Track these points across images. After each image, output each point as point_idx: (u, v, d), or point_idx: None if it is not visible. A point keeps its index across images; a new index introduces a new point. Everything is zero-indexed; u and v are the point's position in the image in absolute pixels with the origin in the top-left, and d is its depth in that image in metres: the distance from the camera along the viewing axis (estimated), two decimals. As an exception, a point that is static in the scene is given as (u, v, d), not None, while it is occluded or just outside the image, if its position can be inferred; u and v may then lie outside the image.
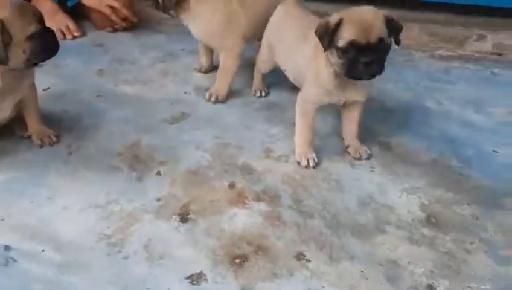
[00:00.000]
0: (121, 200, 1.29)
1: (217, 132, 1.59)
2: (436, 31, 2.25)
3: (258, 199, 1.31)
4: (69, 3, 2.15)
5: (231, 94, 1.79)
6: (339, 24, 1.27)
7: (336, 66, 1.31)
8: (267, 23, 1.68)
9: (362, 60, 1.25)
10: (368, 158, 1.48)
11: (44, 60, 1.35)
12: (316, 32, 1.32)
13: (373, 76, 1.30)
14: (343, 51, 1.27)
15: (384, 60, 1.28)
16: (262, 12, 1.71)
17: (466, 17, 2.32)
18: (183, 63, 2.01)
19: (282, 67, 1.62)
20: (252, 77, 1.82)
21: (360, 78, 1.31)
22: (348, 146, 1.51)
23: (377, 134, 1.59)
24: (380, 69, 1.29)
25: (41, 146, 1.47)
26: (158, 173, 1.39)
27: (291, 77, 1.59)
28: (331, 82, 1.37)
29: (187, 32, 1.88)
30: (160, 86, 1.85)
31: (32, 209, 1.25)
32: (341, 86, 1.37)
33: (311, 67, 1.40)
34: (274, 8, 1.67)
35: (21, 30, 1.24)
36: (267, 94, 1.81)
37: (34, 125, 1.47)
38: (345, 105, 1.46)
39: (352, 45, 1.25)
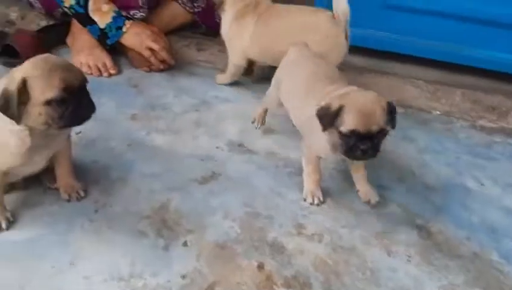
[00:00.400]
0: (145, 273, 1.23)
1: (247, 197, 1.53)
2: (478, 98, 2.17)
3: (288, 285, 1.24)
4: (108, 42, 2.12)
5: (263, 154, 1.73)
6: (340, 110, 1.30)
7: (334, 143, 1.37)
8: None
9: (361, 147, 1.31)
10: (375, 204, 1.51)
11: (63, 127, 1.24)
12: (317, 113, 1.35)
13: (368, 159, 1.37)
14: (343, 136, 1.32)
15: (380, 144, 1.34)
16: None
17: (510, 85, 2.24)
18: (216, 112, 1.97)
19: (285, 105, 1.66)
20: (280, 137, 1.77)
21: (356, 160, 1.41)
22: (358, 190, 1.54)
23: (416, 216, 1.52)
24: (375, 154, 1.34)
25: (68, 200, 1.43)
26: (185, 244, 1.34)
27: (293, 119, 1.62)
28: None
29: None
30: (192, 137, 1.80)
31: (53, 275, 1.21)
32: None
33: (314, 125, 1.40)
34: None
35: (40, 92, 1.15)
36: (262, 124, 1.87)
37: (63, 178, 1.43)
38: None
39: (353, 133, 1.30)
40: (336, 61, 1.84)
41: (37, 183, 1.47)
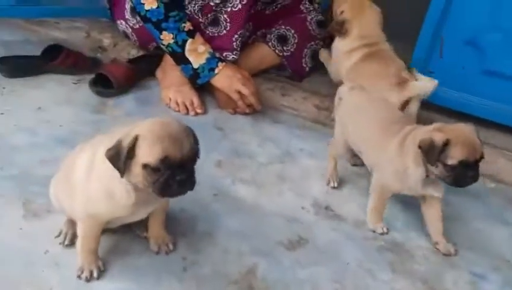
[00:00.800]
0: None
1: (335, 272, 1.45)
2: None
3: None
4: (199, 82, 2.12)
5: (350, 221, 1.66)
6: (446, 144, 1.39)
7: (441, 177, 1.46)
8: None
9: (469, 174, 1.43)
10: (455, 254, 1.59)
11: (156, 194, 1.19)
12: (420, 148, 1.44)
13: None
14: (452, 168, 1.41)
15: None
16: None
17: None
18: (301, 167, 1.92)
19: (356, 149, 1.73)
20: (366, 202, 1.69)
21: (464, 186, 1.49)
22: (436, 243, 1.60)
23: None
24: (477, 178, 1.46)
25: (157, 253, 1.41)
26: (274, 320, 1.28)
27: (366, 160, 1.70)
28: (418, 182, 1.52)
29: (306, 126, 2.05)
30: (277, 193, 1.75)
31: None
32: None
33: (395, 162, 1.54)
34: None
35: (142, 154, 1.13)
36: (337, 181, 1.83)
37: (155, 229, 1.41)
38: (425, 201, 1.60)
39: (461, 163, 1.40)
40: None
41: (126, 229, 1.45)
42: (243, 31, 2.12)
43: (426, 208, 1.60)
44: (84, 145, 1.31)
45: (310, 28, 2.36)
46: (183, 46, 2.06)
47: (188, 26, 2.05)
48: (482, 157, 1.42)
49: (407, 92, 1.93)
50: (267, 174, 1.84)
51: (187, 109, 2.14)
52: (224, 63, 2.10)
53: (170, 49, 2.08)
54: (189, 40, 2.05)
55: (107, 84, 2.14)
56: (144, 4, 2.02)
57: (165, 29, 2.04)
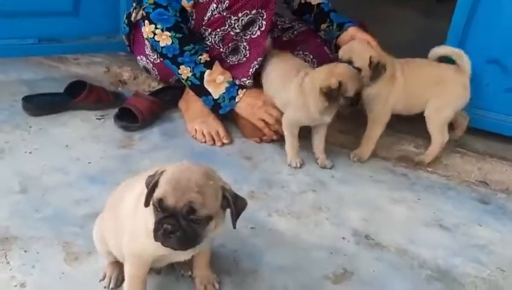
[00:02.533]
0: None
1: (386, 306, 1.41)
2: None
3: None
4: (221, 112, 2.10)
5: (393, 250, 1.62)
6: (340, 85, 1.83)
7: (342, 106, 1.91)
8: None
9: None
10: (330, 168, 2.03)
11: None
12: (324, 93, 1.85)
13: None
14: (349, 98, 1.88)
15: None
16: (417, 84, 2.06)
17: None
18: (335, 195, 1.89)
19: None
20: (404, 229, 1.65)
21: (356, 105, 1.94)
22: (317, 158, 2.06)
23: None
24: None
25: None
26: None
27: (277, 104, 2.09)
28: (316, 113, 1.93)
29: (333, 151, 2.13)
30: (315, 224, 1.72)
31: None
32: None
33: (298, 100, 1.97)
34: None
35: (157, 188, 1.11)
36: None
37: (200, 269, 1.37)
38: (315, 128, 2.05)
39: (356, 92, 1.88)
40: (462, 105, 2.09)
41: (170, 269, 1.42)
42: (262, 58, 2.11)
43: (315, 133, 2.05)
44: (131, 180, 1.29)
45: (328, 51, 2.36)
46: (201, 78, 2.05)
47: (204, 57, 2.05)
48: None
49: None
50: (302, 204, 1.81)
51: (213, 139, 2.12)
52: (244, 90, 2.09)
53: (190, 82, 2.08)
54: (207, 72, 2.05)
55: (131, 118, 2.13)
56: (159, 42, 2.02)
57: (182, 64, 2.05)
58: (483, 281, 1.55)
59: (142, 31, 2.07)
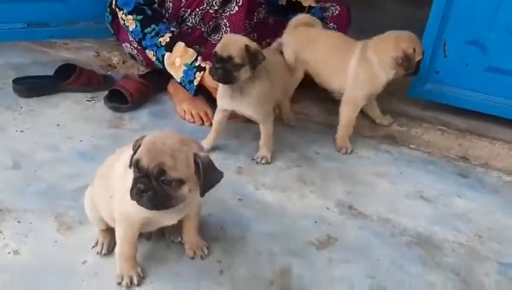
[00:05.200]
0: None
1: (368, 269, 1.47)
2: None
3: None
4: (191, 93, 2.09)
5: (375, 219, 1.69)
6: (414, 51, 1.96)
7: (409, 71, 2.01)
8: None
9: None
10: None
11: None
12: (401, 61, 1.94)
13: None
14: (418, 62, 2.01)
15: None
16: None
17: None
18: (320, 170, 1.95)
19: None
20: (387, 200, 1.71)
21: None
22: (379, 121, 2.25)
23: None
24: None
25: (193, 258, 1.42)
26: (315, 317, 1.29)
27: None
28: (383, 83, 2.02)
29: (319, 131, 2.15)
30: (300, 197, 1.78)
31: None
32: None
33: (363, 73, 2.02)
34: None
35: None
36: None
37: (189, 235, 1.42)
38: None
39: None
40: None
41: (160, 236, 1.47)
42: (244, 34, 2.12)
43: (370, 102, 2.13)
44: (121, 150, 1.34)
45: None
46: (163, 62, 2.06)
47: (164, 39, 2.04)
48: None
49: None
50: (288, 178, 1.87)
51: (202, 120, 2.16)
52: (202, 73, 2.03)
53: (157, 66, 2.10)
54: (166, 54, 2.04)
55: (121, 99, 2.17)
56: (128, 26, 2.07)
57: (146, 48, 2.08)
58: (461, 246, 1.62)
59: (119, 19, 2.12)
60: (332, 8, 2.40)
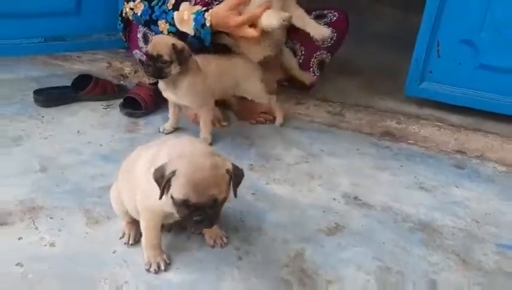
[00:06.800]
0: (298, 321, 1.31)
1: (374, 251, 1.60)
2: None
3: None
4: (206, 44, 2.12)
5: (379, 208, 1.81)
6: None
7: None
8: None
9: None
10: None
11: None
12: None
13: None
14: None
15: None
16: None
17: None
18: (326, 165, 2.07)
19: None
20: (391, 190, 1.83)
21: None
22: None
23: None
24: None
25: (213, 247, 1.54)
26: (328, 294, 1.41)
27: None
28: None
29: (322, 130, 2.24)
30: (309, 190, 1.90)
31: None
32: None
33: None
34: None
35: (173, 188, 1.25)
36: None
37: (207, 225, 1.54)
38: None
39: None
40: None
41: (180, 230, 1.59)
42: None
43: None
44: (144, 147, 1.46)
45: (314, 39, 2.53)
46: (174, 24, 2.11)
47: (170, 3, 2.11)
48: None
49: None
50: (296, 173, 2.00)
51: (212, 123, 2.29)
52: (209, 12, 2.04)
53: (171, 33, 2.13)
54: (175, 14, 2.10)
55: (135, 106, 2.30)
56: (137, 13, 2.17)
57: (157, 20, 2.14)
58: (460, 230, 1.74)
59: (127, 15, 2.23)
60: (330, 14, 2.54)
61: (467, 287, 1.48)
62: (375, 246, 1.62)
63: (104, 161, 1.93)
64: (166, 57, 1.92)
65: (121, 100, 2.35)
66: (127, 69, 2.70)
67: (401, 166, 2.12)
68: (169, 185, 1.25)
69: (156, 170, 1.28)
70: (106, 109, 2.36)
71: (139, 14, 2.17)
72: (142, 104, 2.30)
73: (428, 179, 2.04)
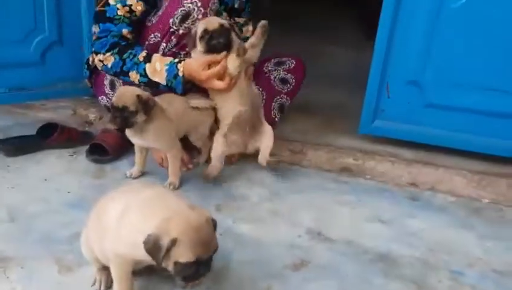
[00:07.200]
0: None
1: (338, 284, 1.69)
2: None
3: None
4: (178, 92, 2.25)
5: (341, 242, 1.92)
6: None
7: None
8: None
9: None
10: None
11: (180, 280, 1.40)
12: None
13: None
14: None
15: None
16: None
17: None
18: (289, 202, 2.18)
19: None
20: (349, 226, 1.95)
21: None
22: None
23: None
24: None
25: (184, 288, 1.59)
26: (297, 327, 1.48)
27: None
28: None
29: (285, 168, 2.33)
30: (274, 227, 1.99)
31: None
32: None
33: None
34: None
35: (177, 253, 1.28)
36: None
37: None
38: None
39: None
40: None
41: (151, 271, 1.63)
42: None
43: None
44: (112, 195, 1.52)
45: (275, 85, 2.68)
46: (146, 75, 2.23)
47: (141, 55, 2.23)
48: None
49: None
50: (261, 212, 2.09)
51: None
52: (181, 63, 2.20)
53: (142, 83, 2.25)
54: (147, 66, 2.22)
55: (102, 152, 2.35)
56: (107, 64, 2.26)
57: (128, 71, 2.24)
58: (416, 259, 1.86)
59: (97, 65, 2.31)
60: (288, 61, 2.71)
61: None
62: (339, 279, 1.72)
63: (72, 209, 1.96)
64: (132, 108, 2.00)
65: (87, 147, 2.39)
66: (92, 116, 2.75)
67: (360, 200, 2.25)
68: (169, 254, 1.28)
69: (146, 243, 1.29)
70: (72, 156, 2.40)
71: (109, 66, 2.26)
72: (108, 150, 2.35)
73: (385, 211, 2.17)
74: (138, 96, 2.01)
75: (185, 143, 2.37)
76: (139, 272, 1.62)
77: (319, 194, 2.27)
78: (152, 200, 1.40)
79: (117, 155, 2.39)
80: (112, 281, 1.52)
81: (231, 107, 2.30)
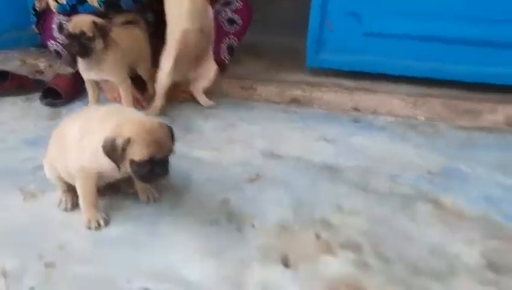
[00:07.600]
0: (228, 249, 1.52)
1: (289, 191, 1.85)
2: (454, 105, 2.60)
3: (343, 248, 1.55)
4: None
5: (291, 158, 2.08)
6: None
7: None
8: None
9: None
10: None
11: (137, 180, 1.55)
12: None
13: None
14: None
15: None
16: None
17: (479, 93, 2.68)
18: (243, 131, 2.31)
19: None
20: (300, 144, 2.11)
21: None
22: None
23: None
24: None
25: (147, 202, 1.70)
26: (253, 226, 1.64)
27: None
28: None
29: (238, 103, 2.42)
30: (230, 152, 2.12)
31: (157, 256, 1.47)
32: None
33: None
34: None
35: (132, 152, 1.39)
36: None
37: (141, 184, 1.70)
38: None
39: None
40: None
41: (115, 190, 1.74)
42: None
43: None
44: (69, 119, 1.61)
45: (222, 25, 2.76)
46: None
47: None
48: None
49: None
50: (218, 140, 2.21)
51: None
52: None
53: (103, 3, 2.29)
54: None
55: (56, 96, 2.38)
56: (62, 3, 2.29)
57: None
58: (359, 168, 2.04)
59: (51, 7, 2.33)
60: (235, 2, 2.78)
61: (366, 205, 1.77)
62: (289, 187, 1.88)
63: (30, 146, 2.02)
64: (89, 33, 2.04)
65: (41, 93, 2.41)
66: (42, 65, 2.75)
67: (308, 126, 2.41)
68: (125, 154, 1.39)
69: (104, 146, 1.40)
70: (26, 101, 2.41)
71: (64, 2, 2.26)
72: (62, 94, 2.38)
73: (331, 132, 2.34)
74: (94, 22, 2.05)
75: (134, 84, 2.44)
76: (104, 191, 1.71)
77: (270, 123, 2.41)
78: (109, 112, 1.50)
79: (70, 98, 2.42)
80: (77, 202, 1.61)
81: (180, 20, 2.29)
